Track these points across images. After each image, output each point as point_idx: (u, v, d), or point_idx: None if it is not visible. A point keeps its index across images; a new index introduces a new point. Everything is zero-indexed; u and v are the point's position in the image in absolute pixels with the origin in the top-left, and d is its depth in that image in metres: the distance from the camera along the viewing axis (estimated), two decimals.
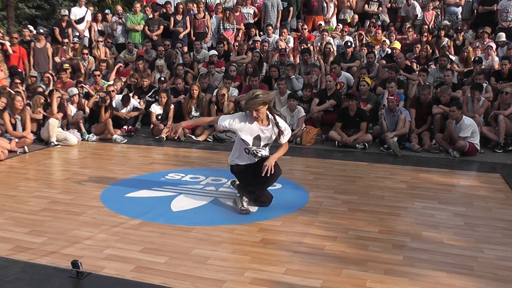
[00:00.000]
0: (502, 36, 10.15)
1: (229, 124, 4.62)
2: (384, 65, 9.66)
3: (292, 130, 8.31)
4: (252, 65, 9.78)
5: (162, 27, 11.83)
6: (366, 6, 12.43)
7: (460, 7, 11.94)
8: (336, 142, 7.98)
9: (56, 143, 7.92)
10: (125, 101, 8.98)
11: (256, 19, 12.34)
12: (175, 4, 12.28)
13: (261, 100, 4.44)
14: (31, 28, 12.10)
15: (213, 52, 10.78)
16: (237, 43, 11.27)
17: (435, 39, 10.71)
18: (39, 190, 5.48)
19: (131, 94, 9.73)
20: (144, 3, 12.71)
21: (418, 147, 7.63)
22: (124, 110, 9.05)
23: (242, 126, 4.60)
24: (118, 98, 9.10)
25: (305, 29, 11.58)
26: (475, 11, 11.88)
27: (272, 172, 4.52)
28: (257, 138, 4.65)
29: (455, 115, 7.31)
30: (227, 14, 11.75)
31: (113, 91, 9.09)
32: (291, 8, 12.16)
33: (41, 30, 11.55)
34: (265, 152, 4.76)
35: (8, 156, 7.10)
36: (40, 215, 4.63)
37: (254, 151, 4.70)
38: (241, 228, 4.30)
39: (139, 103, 9.49)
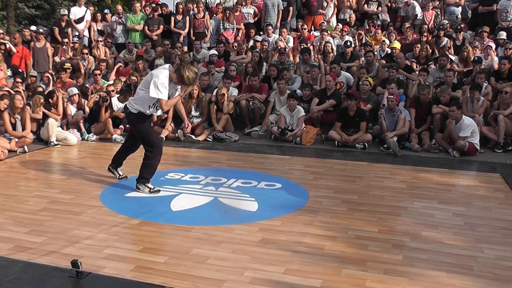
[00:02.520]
0: (503, 35, 10.13)
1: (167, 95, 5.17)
2: (384, 65, 9.66)
3: (292, 130, 8.38)
4: (252, 64, 9.78)
5: (161, 26, 11.83)
6: (366, 6, 12.43)
7: (460, 7, 11.95)
8: (336, 142, 7.98)
9: (55, 142, 7.92)
10: (125, 94, 8.91)
11: (256, 19, 12.33)
12: (175, 4, 12.26)
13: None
14: (34, 28, 12.09)
15: (213, 51, 10.77)
16: (236, 43, 11.27)
17: (434, 39, 10.71)
18: (38, 189, 5.48)
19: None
20: (144, 3, 12.69)
21: (418, 147, 7.63)
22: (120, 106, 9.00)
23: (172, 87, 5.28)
24: (114, 99, 9.05)
25: (304, 29, 11.58)
26: (470, 10, 11.92)
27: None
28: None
29: (454, 115, 7.31)
30: (227, 14, 11.74)
31: (113, 91, 9.08)
32: (291, 8, 12.15)
33: (41, 30, 11.53)
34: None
35: (8, 156, 7.09)
36: (40, 214, 4.63)
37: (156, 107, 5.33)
38: (241, 227, 4.31)
39: None
